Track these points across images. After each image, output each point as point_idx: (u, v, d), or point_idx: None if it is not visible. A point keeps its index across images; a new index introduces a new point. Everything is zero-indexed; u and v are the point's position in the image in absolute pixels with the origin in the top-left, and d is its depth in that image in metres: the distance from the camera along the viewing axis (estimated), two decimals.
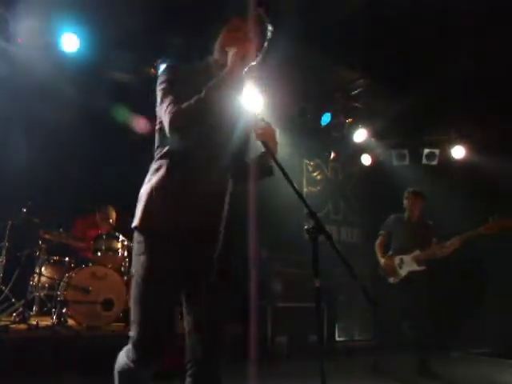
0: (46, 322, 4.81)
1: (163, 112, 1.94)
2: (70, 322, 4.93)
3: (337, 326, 6.59)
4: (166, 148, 2.01)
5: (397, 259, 4.87)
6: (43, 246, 5.17)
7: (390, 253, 4.98)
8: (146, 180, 2.04)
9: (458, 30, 5.00)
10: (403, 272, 4.79)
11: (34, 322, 4.59)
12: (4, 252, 5.01)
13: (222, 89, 1.93)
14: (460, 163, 7.35)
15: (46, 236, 5.13)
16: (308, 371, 2.23)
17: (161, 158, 2.02)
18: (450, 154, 7.41)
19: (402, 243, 4.92)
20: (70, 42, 5.34)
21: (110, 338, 4.82)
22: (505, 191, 6.42)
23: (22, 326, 4.57)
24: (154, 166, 2.04)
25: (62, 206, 5.61)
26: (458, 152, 7.33)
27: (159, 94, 2.03)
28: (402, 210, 5.15)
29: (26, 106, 5.47)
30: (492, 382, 4.85)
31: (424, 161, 7.50)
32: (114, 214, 5.97)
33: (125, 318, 5.20)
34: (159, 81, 2.07)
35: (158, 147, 2.08)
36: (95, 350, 4.40)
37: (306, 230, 1.77)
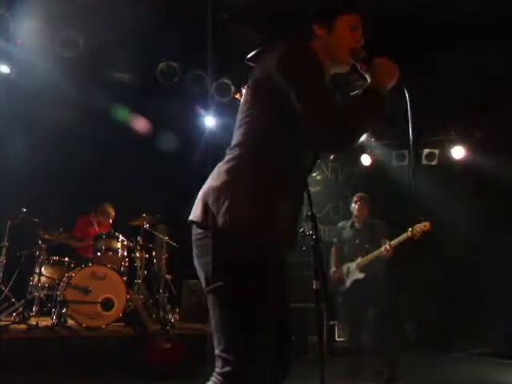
0: (45, 322, 4.81)
1: (321, 113, 1.59)
2: (70, 322, 4.93)
3: (336, 325, 6.59)
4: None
5: (345, 267, 4.86)
6: (43, 245, 5.17)
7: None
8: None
9: (457, 30, 5.00)
10: (349, 281, 4.79)
11: (34, 322, 4.60)
12: (4, 252, 5.01)
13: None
14: (460, 163, 7.35)
15: (46, 236, 5.13)
16: (308, 371, 2.23)
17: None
18: (449, 154, 7.41)
19: (348, 250, 4.91)
20: (70, 42, 5.34)
21: (110, 337, 4.83)
22: (505, 191, 6.42)
23: (22, 326, 4.57)
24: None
25: (62, 206, 5.61)
26: (458, 152, 7.33)
27: (303, 82, 1.62)
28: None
29: (26, 106, 5.48)
30: (492, 382, 4.85)
31: (424, 161, 7.50)
32: (113, 213, 5.99)
33: (124, 317, 5.21)
34: (299, 62, 1.65)
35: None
36: (95, 351, 4.40)
37: (308, 231, 1.77)
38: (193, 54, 5.72)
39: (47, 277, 5.21)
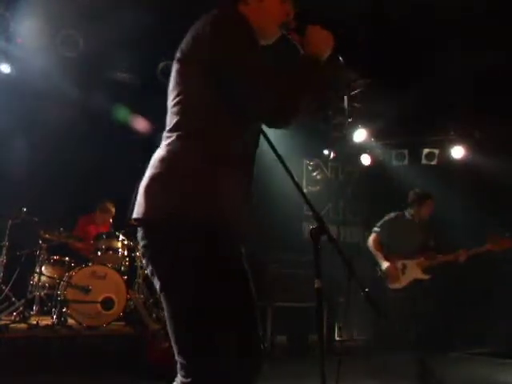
0: (46, 321, 4.82)
1: (260, 84, 1.48)
2: (70, 321, 4.93)
3: (336, 325, 6.60)
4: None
5: (399, 264, 4.52)
6: (43, 245, 5.17)
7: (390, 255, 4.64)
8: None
9: (457, 29, 5.00)
10: (406, 279, 4.46)
11: (35, 322, 4.60)
12: (4, 251, 5.01)
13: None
14: (459, 163, 7.35)
15: (46, 236, 5.14)
16: (308, 371, 2.24)
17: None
18: (449, 153, 7.41)
19: (404, 246, 4.56)
20: (70, 42, 5.34)
21: (111, 337, 4.83)
22: (504, 191, 6.43)
23: (23, 326, 4.58)
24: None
25: (62, 206, 5.61)
26: (458, 152, 7.33)
27: (234, 54, 1.51)
28: (399, 208, 4.95)
29: (26, 106, 5.48)
30: (492, 381, 4.86)
31: (423, 161, 7.51)
32: (113, 210, 6.00)
33: (125, 317, 5.21)
34: (232, 32, 1.53)
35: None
36: (95, 350, 4.40)
37: (310, 230, 1.76)
38: None
39: (47, 276, 5.21)
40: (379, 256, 4.63)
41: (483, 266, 6.80)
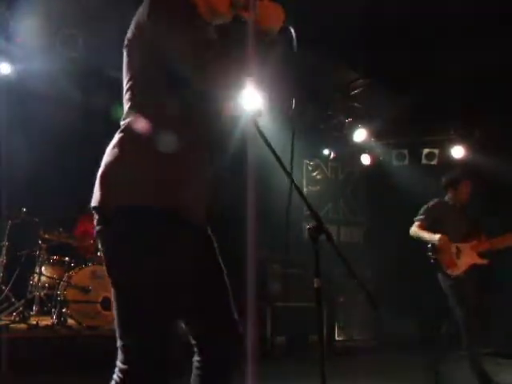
0: (45, 321, 4.82)
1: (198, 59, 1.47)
2: (70, 321, 4.93)
3: (336, 325, 6.60)
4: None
5: (452, 247, 4.01)
6: (43, 245, 5.17)
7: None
8: None
9: (457, 30, 5.00)
10: (464, 264, 3.97)
11: (34, 322, 4.61)
12: (4, 252, 5.01)
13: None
14: (459, 163, 7.35)
15: (46, 236, 5.14)
16: (308, 371, 2.23)
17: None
18: (449, 153, 7.42)
19: (453, 231, 4.08)
20: (70, 41, 5.34)
21: (110, 337, 4.83)
22: (504, 191, 6.42)
23: (22, 326, 4.58)
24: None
25: (63, 206, 5.61)
26: (458, 152, 7.33)
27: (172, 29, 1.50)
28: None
29: (26, 106, 5.48)
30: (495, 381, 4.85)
31: (424, 160, 7.51)
32: None
33: None
34: (170, 13, 1.52)
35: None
36: (95, 350, 4.40)
37: (308, 229, 1.76)
38: None
39: (47, 276, 5.21)
40: (427, 234, 4.09)
41: (483, 265, 6.80)
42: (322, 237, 1.79)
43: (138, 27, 1.59)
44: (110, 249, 1.48)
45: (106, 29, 4.97)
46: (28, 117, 5.52)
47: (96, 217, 1.51)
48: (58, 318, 4.80)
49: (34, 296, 5.14)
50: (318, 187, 8.29)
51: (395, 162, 7.70)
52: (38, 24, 5.18)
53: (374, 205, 8.13)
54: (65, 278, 5.02)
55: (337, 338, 6.53)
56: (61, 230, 5.25)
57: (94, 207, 1.51)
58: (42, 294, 5.15)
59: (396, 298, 6.64)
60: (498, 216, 6.49)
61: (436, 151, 7.48)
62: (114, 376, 1.46)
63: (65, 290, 4.88)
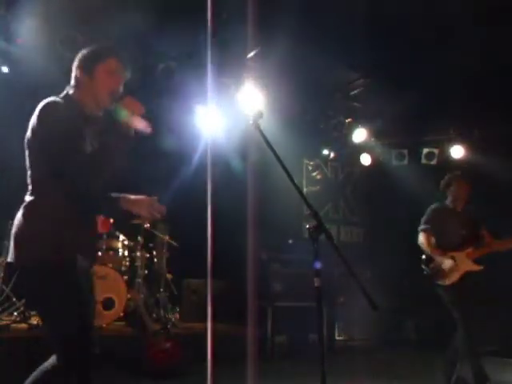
0: None
1: (69, 160, 2.03)
2: None
3: (336, 325, 6.61)
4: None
5: (448, 257, 4.12)
6: None
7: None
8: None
9: (457, 29, 5.00)
10: (457, 273, 4.07)
11: (35, 322, 4.60)
12: (4, 252, 5.02)
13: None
14: (459, 163, 7.35)
15: None
16: (308, 371, 2.24)
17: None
18: (449, 153, 7.42)
19: (451, 238, 4.19)
20: (70, 42, 5.34)
21: (111, 337, 4.84)
22: (504, 190, 6.43)
23: (23, 326, 4.58)
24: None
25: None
26: (457, 151, 7.34)
27: (51, 137, 2.07)
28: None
29: (26, 106, 5.47)
30: (493, 381, 4.86)
31: (423, 160, 7.51)
32: None
33: (125, 317, 5.21)
34: (49, 125, 2.11)
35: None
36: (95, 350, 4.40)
37: (308, 229, 1.77)
38: (192, 53, 5.72)
39: None
40: (437, 254, 4.16)
41: (483, 265, 6.81)
42: (322, 237, 1.79)
43: (32, 130, 2.15)
44: (28, 290, 2.16)
45: (106, 29, 4.97)
46: (28, 117, 5.52)
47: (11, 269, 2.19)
48: None
49: None
50: (318, 187, 8.29)
51: (395, 162, 7.70)
52: (37, 24, 5.18)
53: (374, 205, 8.14)
54: None
55: (337, 338, 6.53)
56: None
57: (10, 263, 2.09)
58: None
59: (396, 298, 6.65)
60: (498, 216, 6.50)
61: (435, 151, 7.48)
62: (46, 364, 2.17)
63: None
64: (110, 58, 2.31)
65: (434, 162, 7.47)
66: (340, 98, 7.09)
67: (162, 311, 5.55)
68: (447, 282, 4.08)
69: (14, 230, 2.12)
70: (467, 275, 4.08)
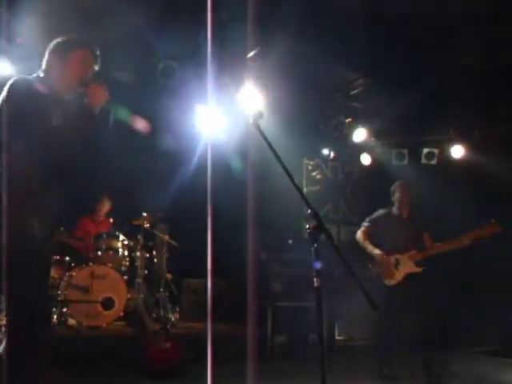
0: None
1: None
2: (71, 321, 4.94)
3: (336, 325, 6.60)
4: None
5: (392, 259, 4.49)
6: None
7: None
8: None
9: (457, 29, 5.00)
10: (400, 274, 4.45)
11: None
12: None
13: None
14: (459, 163, 7.35)
15: None
16: (308, 371, 2.24)
17: None
18: (449, 153, 7.42)
19: (396, 242, 4.53)
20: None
21: (111, 337, 4.84)
22: (504, 191, 6.43)
23: None
24: None
25: (62, 206, 5.61)
26: (458, 151, 7.34)
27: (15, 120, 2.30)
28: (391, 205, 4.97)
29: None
30: (492, 381, 4.86)
31: (423, 160, 7.51)
32: (108, 203, 6.02)
33: (125, 317, 5.21)
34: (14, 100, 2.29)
35: None
36: (95, 350, 4.41)
37: (308, 229, 1.77)
38: (193, 53, 5.72)
39: None
40: (370, 246, 4.62)
41: (483, 265, 6.82)
42: (322, 237, 1.79)
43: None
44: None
45: (106, 29, 4.97)
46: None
47: None
48: (58, 317, 4.80)
49: None
50: (318, 187, 8.29)
51: (395, 162, 7.69)
52: (37, 24, 5.18)
53: (373, 205, 8.12)
54: (65, 278, 5.02)
55: (337, 338, 6.53)
56: (61, 229, 5.26)
57: None
58: None
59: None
60: (498, 215, 6.51)
61: (435, 151, 7.48)
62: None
63: (65, 289, 4.88)
64: (84, 49, 2.61)
65: (434, 162, 7.46)
66: (340, 97, 7.09)
67: (161, 311, 5.55)
68: (392, 282, 4.45)
69: None
70: (410, 276, 4.43)
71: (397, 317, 4.54)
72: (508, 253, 6.14)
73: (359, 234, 4.78)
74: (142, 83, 6.02)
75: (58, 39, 2.64)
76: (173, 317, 5.67)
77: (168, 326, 4.57)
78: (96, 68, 2.69)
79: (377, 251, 4.54)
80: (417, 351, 4.76)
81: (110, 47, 5.47)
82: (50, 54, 2.60)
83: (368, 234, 4.71)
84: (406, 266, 4.45)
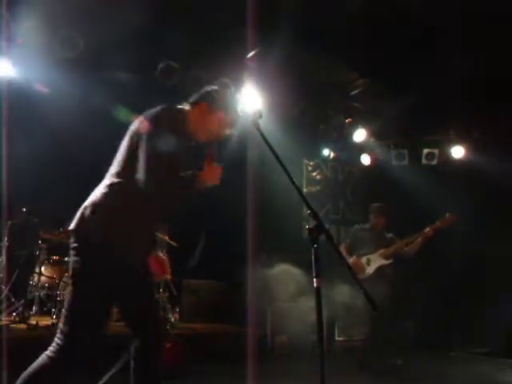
0: (45, 321, 4.81)
1: (151, 166, 2.11)
2: None
3: (336, 325, 6.60)
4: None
5: (364, 259, 5.16)
6: (43, 245, 5.17)
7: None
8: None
9: (457, 30, 5.00)
10: (371, 269, 5.09)
11: (34, 322, 4.60)
12: (4, 252, 5.01)
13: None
14: (459, 163, 7.35)
15: (46, 236, 5.14)
16: (308, 371, 2.24)
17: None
18: (449, 153, 7.42)
19: (369, 248, 5.19)
20: (70, 42, 5.34)
21: (110, 337, 4.83)
22: (504, 190, 6.43)
23: (22, 326, 4.58)
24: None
25: (62, 206, 5.61)
26: (458, 152, 7.34)
27: (152, 142, 2.15)
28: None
29: (26, 106, 5.47)
30: (492, 381, 4.86)
31: (423, 161, 7.51)
32: None
33: None
34: (157, 123, 2.20)
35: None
36: (95, 350, 4.40)
37: (308, 229, 1.77)
38: (193, 53, 5.72)
39: (47, 276, 5.21)
40: (347, 257, 5.22)
41: (483, 265, 6.82)
42: (322, 237, 1.79)
43: (146, 123, 2.26)
44: (76, 262, 2.15)
45: (106, 29, 4.98)
46: (28, 117, 5.52)
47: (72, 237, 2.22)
48: (58, 318, 4.79)
49: (34, 296, 5.13)
50: (318, 187, 8.29)
51: (395, 162, 7.70)
52: (37, 24, 5.18)
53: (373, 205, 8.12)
54: (65, 278, 5.02)
55: (337, 338, 6.53)
56: (61, 229, 5.25)
57: (72, 229, 2.24)
58: (42, 294, 5.15)
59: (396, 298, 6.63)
60: (498, 215, 6.51)
61: (436, 151, 7.48)
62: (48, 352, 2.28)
63: (65, 289, 4.88)
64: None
65: (434, 163, 7.47)
66: (340, 97, 7.09)
67: (161, 311, 5.54)
68: (364, 275, 5.06)
69: (90, 200, 2.23)
70: (380, 268, 5.08)
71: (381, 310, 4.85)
72: (508, 253, 6.14)
73: (342, 249, 5.35)
74: (142, 83, 6.02)
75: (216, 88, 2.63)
76: (172, 317, 5.67)
77: (168, 327, 4.56)
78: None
79: (349, 258, 5.19)
80: (417, 351, 4.76)
81: (110, 47, 5.49)
82: (201, 96, 2.62)
83: (348, 249, 5.34)
84: (377, 262, 5.12)
